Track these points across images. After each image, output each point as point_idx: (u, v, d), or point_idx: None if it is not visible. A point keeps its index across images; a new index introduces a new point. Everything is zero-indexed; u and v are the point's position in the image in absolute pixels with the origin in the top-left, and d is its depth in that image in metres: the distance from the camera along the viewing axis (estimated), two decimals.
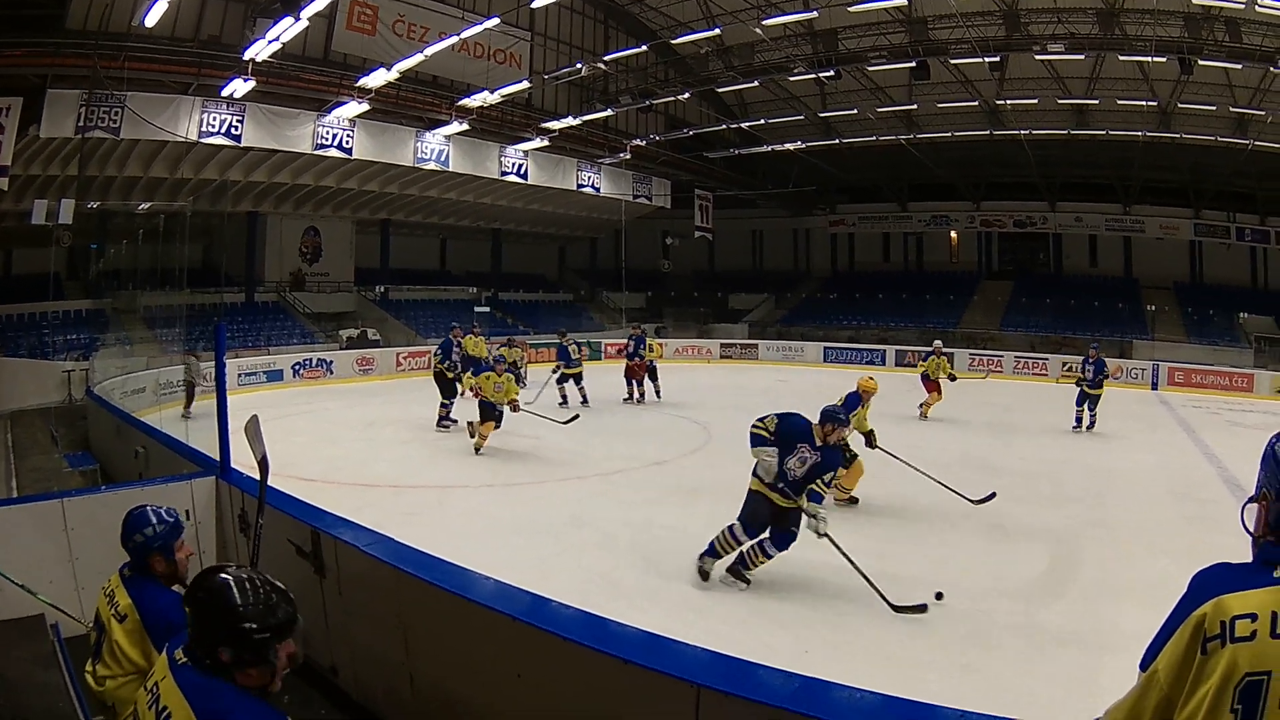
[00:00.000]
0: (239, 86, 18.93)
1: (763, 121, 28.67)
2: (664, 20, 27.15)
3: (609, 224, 33.86)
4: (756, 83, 24.94)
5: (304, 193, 24.89)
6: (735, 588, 6.08)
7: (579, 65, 23.13)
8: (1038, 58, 21.55)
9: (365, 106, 21.33)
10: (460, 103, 22.80)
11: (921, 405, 15.12)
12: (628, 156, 28.88)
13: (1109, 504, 9.15)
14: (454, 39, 20.08)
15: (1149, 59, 20.01)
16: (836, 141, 29.14)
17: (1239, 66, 19.68)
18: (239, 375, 18.11)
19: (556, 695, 3.05)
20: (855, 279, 36.91)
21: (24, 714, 3.28)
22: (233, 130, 19.91)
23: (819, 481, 5.86)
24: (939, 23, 21.56)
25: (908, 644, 5.25)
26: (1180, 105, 23.61)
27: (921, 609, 5.59)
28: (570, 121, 25.58)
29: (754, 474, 6.12)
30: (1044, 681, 4.69)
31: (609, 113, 26.72)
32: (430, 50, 19.94)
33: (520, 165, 26.94)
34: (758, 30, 22.35)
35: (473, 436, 11.32)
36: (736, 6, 23.67)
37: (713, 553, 6.15)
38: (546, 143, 26.26)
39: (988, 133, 27.04)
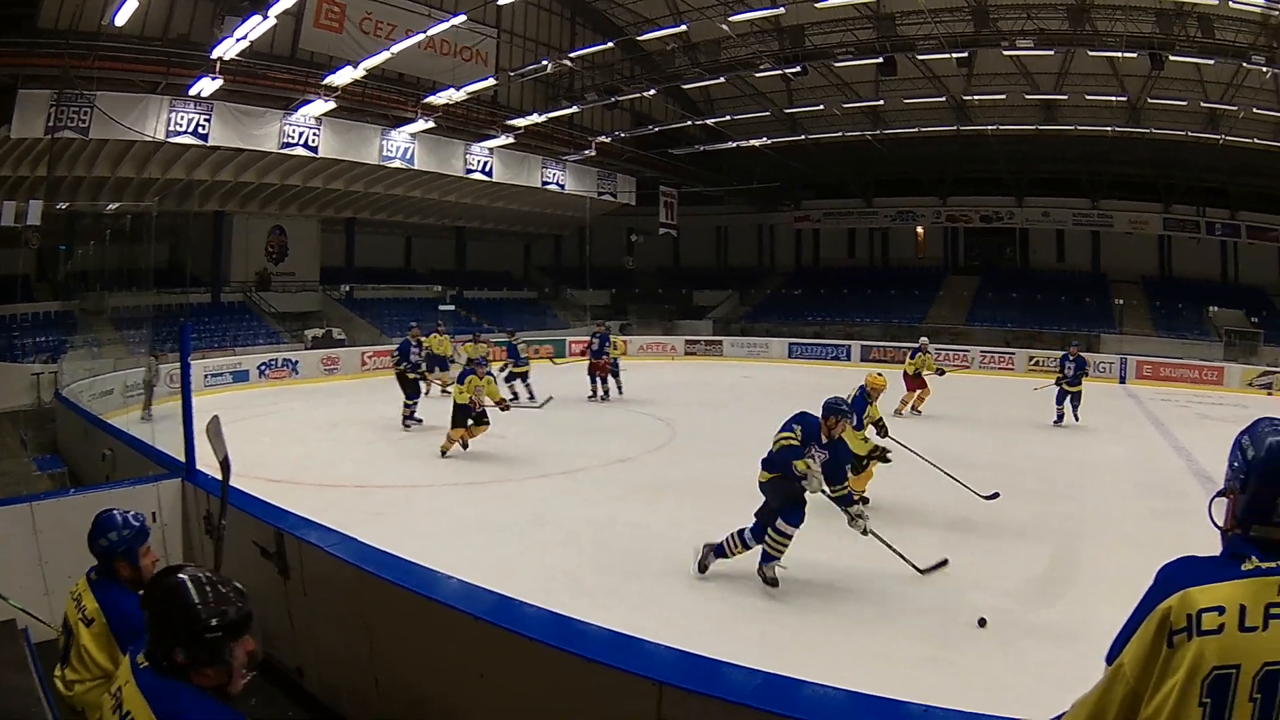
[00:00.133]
0: (207, 85, 18.74)
1: (729, 118, 28.62)
2: (630, 16, 27.12)
3: (574, 221, 33.82)
4: (723, 79, 24.91)
5: (270, 192, 24.61)
6: (779, 569, 6.05)
7: (545, 62, 23.02)
8: (1006, 53, 21.54)
9: (331, 105, 21.18)
10: (426, 100, 22.67)
11: (900, 402, 14.68)
12: (593, 153, 28.80)
13: (1078, 497, 9.21)
14: (421, 36, 19.95)
15: (1119, 55, 20.02)
16: (803, 138, 29.23)
17: (1211, 62, 19.71)
18: (205, 376, 17.92)
19: (520, 694, 3.08)
20: (820, 275, 36.87)
21: None
22: (200, 129, 19.71)
23: (848, 470, 6.23)
24: (907, 18, 21.70)
25: (877, 638, 5.33)
26: (1150, 100, 23.68)
27: (943, 564, 6.28)
28: (535, 119, 25.47)
29: (763, 467, 6.11)
30: (1015, 674, 4.73)
31: (575, 109, 26.61)
32: (397, 47, 19.78)
33: (485, 163, 26.87)
34: (724, 26, 22.43)
35: (456, 444, 11.04)
36: (703, 3, 23.61)
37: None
38: (512, 140, 26.20)
39: (955, 128, 27.15)
